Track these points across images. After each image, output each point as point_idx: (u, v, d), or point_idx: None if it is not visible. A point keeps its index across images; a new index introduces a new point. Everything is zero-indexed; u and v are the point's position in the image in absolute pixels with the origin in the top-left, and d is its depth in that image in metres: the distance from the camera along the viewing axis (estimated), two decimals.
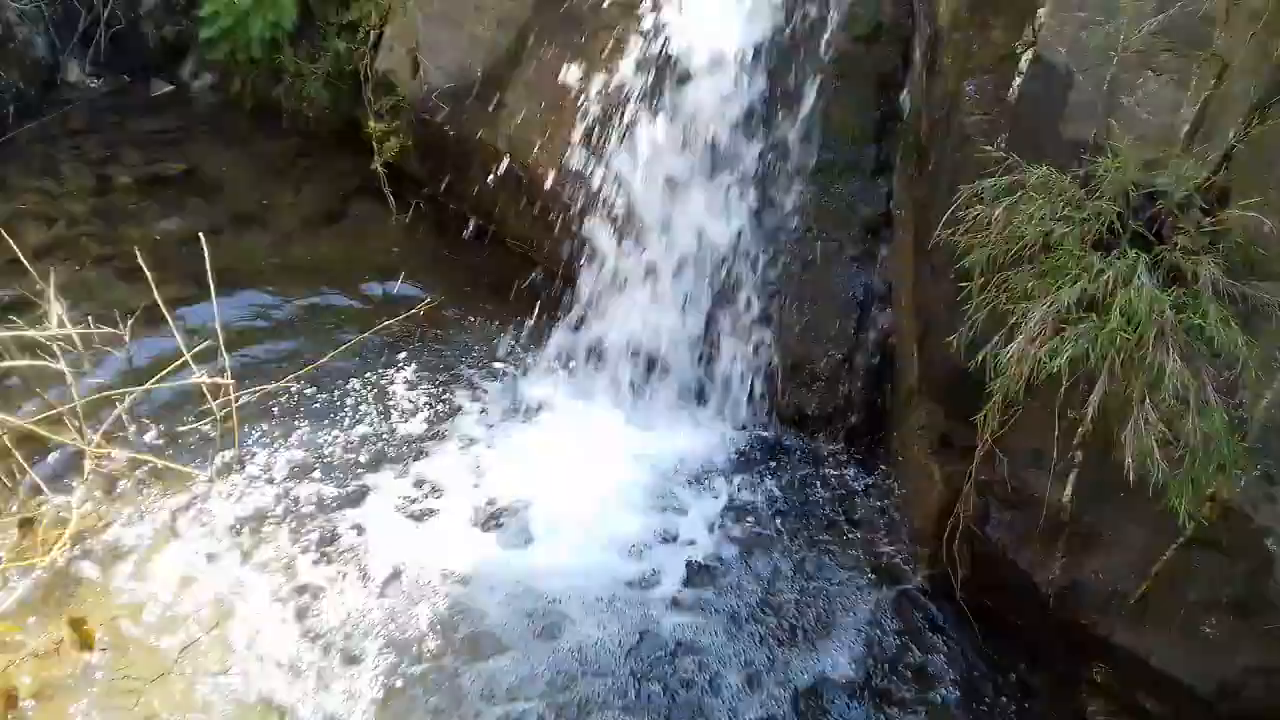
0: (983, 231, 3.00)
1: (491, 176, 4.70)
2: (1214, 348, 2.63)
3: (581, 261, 4.32)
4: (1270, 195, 2.68)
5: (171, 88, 6.04)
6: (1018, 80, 3.22)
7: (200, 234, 4.02)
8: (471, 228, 5.00)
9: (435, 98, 4.79)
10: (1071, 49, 3.07)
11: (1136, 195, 2.84)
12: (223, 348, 3.70)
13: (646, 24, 4.08)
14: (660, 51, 4.06)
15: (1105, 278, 2.72)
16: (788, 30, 4.01)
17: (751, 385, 4.10)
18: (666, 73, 4.05)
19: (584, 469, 3.93)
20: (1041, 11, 3.18)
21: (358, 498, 3.73)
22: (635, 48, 4.11)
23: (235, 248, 4.88)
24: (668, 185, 4.18)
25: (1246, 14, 2.71)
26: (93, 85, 5.95)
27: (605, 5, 4.28)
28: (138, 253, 3.80)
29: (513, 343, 4.50)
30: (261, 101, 5.75)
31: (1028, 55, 3.20)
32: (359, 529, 3.60)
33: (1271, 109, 2.71)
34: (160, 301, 3.75)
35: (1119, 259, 2.74)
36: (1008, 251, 2.94)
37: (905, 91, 3.95)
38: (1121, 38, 2.94)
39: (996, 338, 2.94)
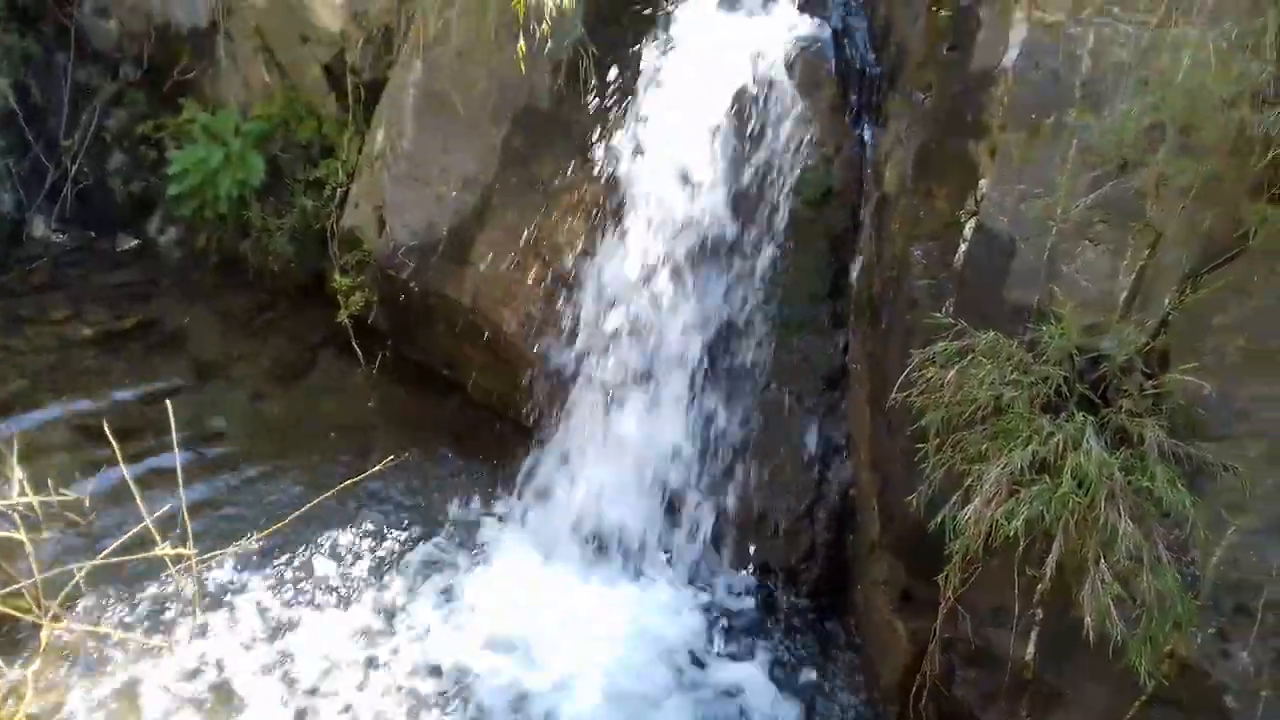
0: (936, 393, 3.10)
1: (457, 331, 4.79)
2: (1163, 508, 2.72)
3: (546, 417, 4.38)
4: (1207, 360, 2.81)
5: (137, 243, 6.11)
6: (963, 247, 3.38)
7: (166, 399, 4.02)
8: (438, 381, 5.05)
9: (401, 254, 4.90)
10: (1013, 219, 3.24)
11: (1081, 359, 2.96)
12: (185, 514, 3.68)
13: (607, 190, 4.25)
14: (621, 217, 4.22)
15: (1055, 441, 2.81)
16: (745, 194, 4.18)
17: (715, 539, 4.12)
18: (628, 240, 4.21)
19: (540, 629, 3.92)
20: (983, 183, 3.36)
21: (318, 662, 3.69)
22: (597, 212, 4.26)
23: (200, 404, 4.89)
24: (630, 341, 4.28)
25: (1176, 188, 2.88)
26: (58, 240, 6.01)
27: (569, 171, 4.43)
28: (105, 423, 3.79)
29: (476, 497, 4.51)
30: (227, 256, 5.83)
31: (971, 224, 3.36)
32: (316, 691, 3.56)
33: (1203, 278, 2.86)
34: (123, 465, 3.73)
35: (1067, 422, 2.84)
36: (961, 413, 3.04)
37: (857, 252, 4.10)
38: (1059, 210, 3.11)
39: (955, 498, 3.01)
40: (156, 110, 5.94)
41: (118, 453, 3.71)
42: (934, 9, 3.63)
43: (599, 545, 4.25)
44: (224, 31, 5.55)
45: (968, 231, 3.36)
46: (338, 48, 5.21)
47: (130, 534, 3.66)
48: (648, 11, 4.40)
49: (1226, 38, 2.70)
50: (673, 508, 4.23)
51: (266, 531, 3.99)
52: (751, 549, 4.08)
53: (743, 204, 4.21)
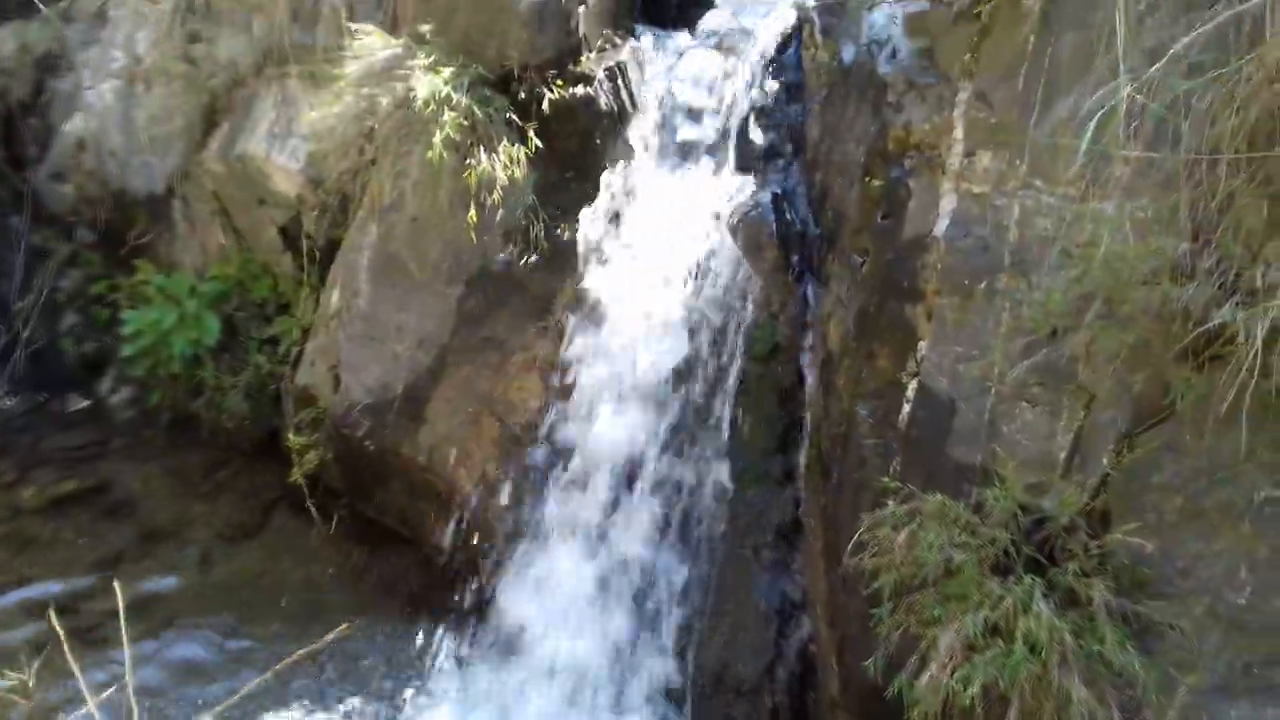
0: (888, 555, 3.14)
1: (413, 490, 4.79)
2: (1114, 669, 2.75)
3: (502, 577, 4.36)
4: (1148, 518, 2.88)
5: (88, 403, 6.07)
6: (906, 407, 3.46)
7: (115, 567, 3.97)
8: (395, 539, 5.02)
9: (356, 413, 4.92)
10: (952, 380, 3.34)
11: (1025, 520, 3.03)
12: (131, 696, 3.59)
13: (563, 352, 4.33)
14: (574, 380, 4.30)
15: (1005, 604, 2.85)
16: (694, 351, 4.28)
17: (675, 700, 4.08)
18: (582, 399, 4.27)
19: None
20: (922, 345, 3.47)
21: None
22: (550, 374, 4.34)
23: (150, 570, 4.81)
24: (585, 497, 4.31)
25: (1106, 354, 2.99)
26: (8, 404, 5.97)
27: (523, 331, 4.51)
28: (51, 596, 3.73)
29: (429, 658, 4.44)
30: (180, 414, 5.81)
31: (913, 384, 3.46)
32: None
33: (1138, 438, 2.96)
34: (66, 642, 3.65)
35: (1016, 585, 2.89)
36: (913, 575, 3.08)
37: (805, 407, 4.19)
38: (996, 371, 3.22)
39: (911, 661, 3.03)
40: (111, 272, 5.98)
41: (60, 630, 3.64)
42: (867, 179, 3.80)
43: (556, 705, 4.19)
44: (181, 197, 5.64)
45: (910, 392, 3.46)
46: (294, 211, 5.32)
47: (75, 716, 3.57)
48: (594, 178, 4.57)
49: (1143, 213, 2.86)
50: (632, 667, 4.19)
51: (217, 710, 3.91)
52: (712, 711, 4.04)
53: (693, 361, 4.30)
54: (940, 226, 3.46)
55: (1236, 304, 2.56)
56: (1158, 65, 2.66)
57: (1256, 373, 2.53)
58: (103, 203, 5.82)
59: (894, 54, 3.80)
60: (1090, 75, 3.04)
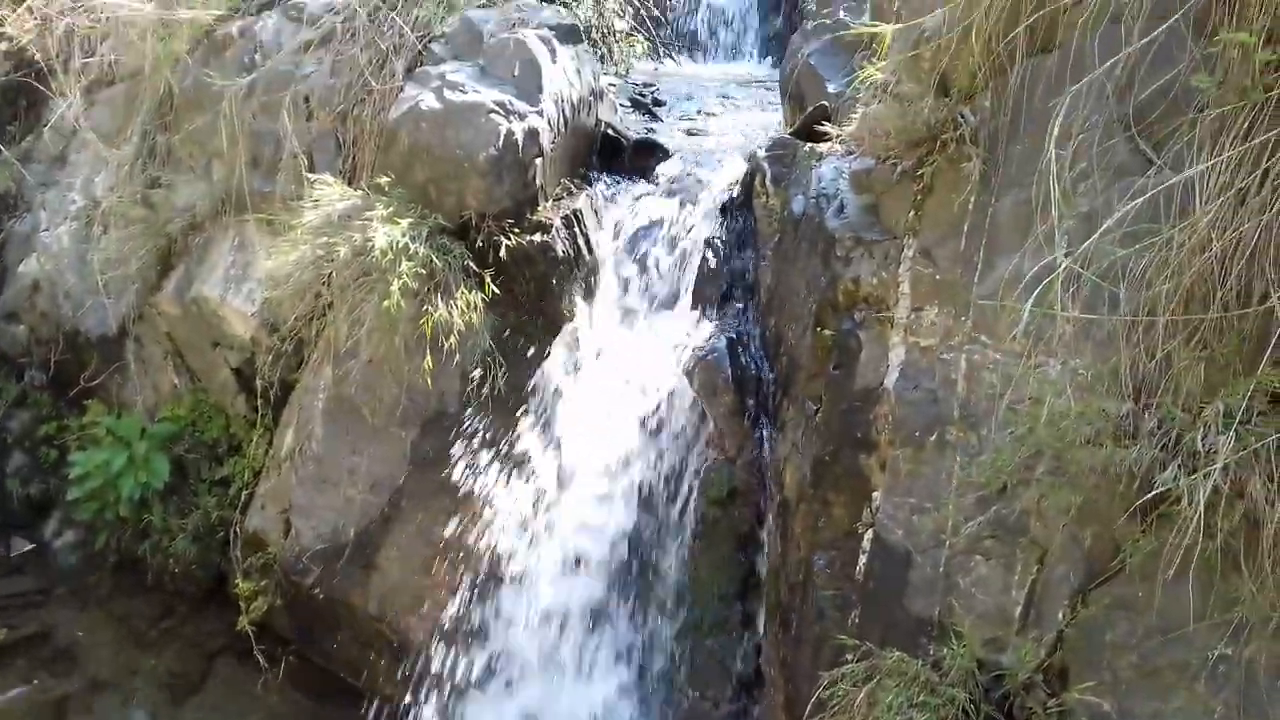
0: (848, 715, 3.10)
1: (363, 638, 4.68)
2: None
3: None
4: (1104, 676, 2.87)
5: (32, 546, 5.92)
6: (862, 559, 3.47)
7: None
8: (344, 689, 4.87)
9: (306, 559, 4.82)
10: (907, 531, 3.35)
11: (984, 677, 3.01)
12: None
13: (519, 500, 4.31)
14: (532, 519, 4.27)
15: None
16: (652, 495, 4.27)
17: None
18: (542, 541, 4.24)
19: None
20: (876, 495, 3.49)
21: None
22: (508, 519, 4.30)
23: None
24: (543, 646, 4.23)
25: (1056, 507, 3.02)
26: None
27: (480, 475, 4.49)
28: None
29: None
30: (126, 559, 5.67)
31: (869, 535, 3.47)
32: None
33: (1091, 594, 2.97)
34: None
35: None
36: None
37: (763, 552, 4.17)
38: (950, 523, 3.24)
39: None
40: (61, 412, 5.91)
41: None
42: (818, 328, 3.87)
43: None
44: (134, 338, 5.62)
45: (866, 543, 3.47)
46: (249, 353, 5.30)
47: None
48: (551, 323, 4.62)
49: (1085, 373, 2.92)
50: None
51: None
52: None
53: (651, 505, 4.29)
54: (891, 378, 3.52)
55: (1179, 466, 2.60)
56: (1091, 239, 2.76)
57: (1202, 534, 2.56)
58: (55, 344, 5.78)
59: (841, 208, 3.91)
60: (1030, 236, 3.14)
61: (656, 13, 9.62)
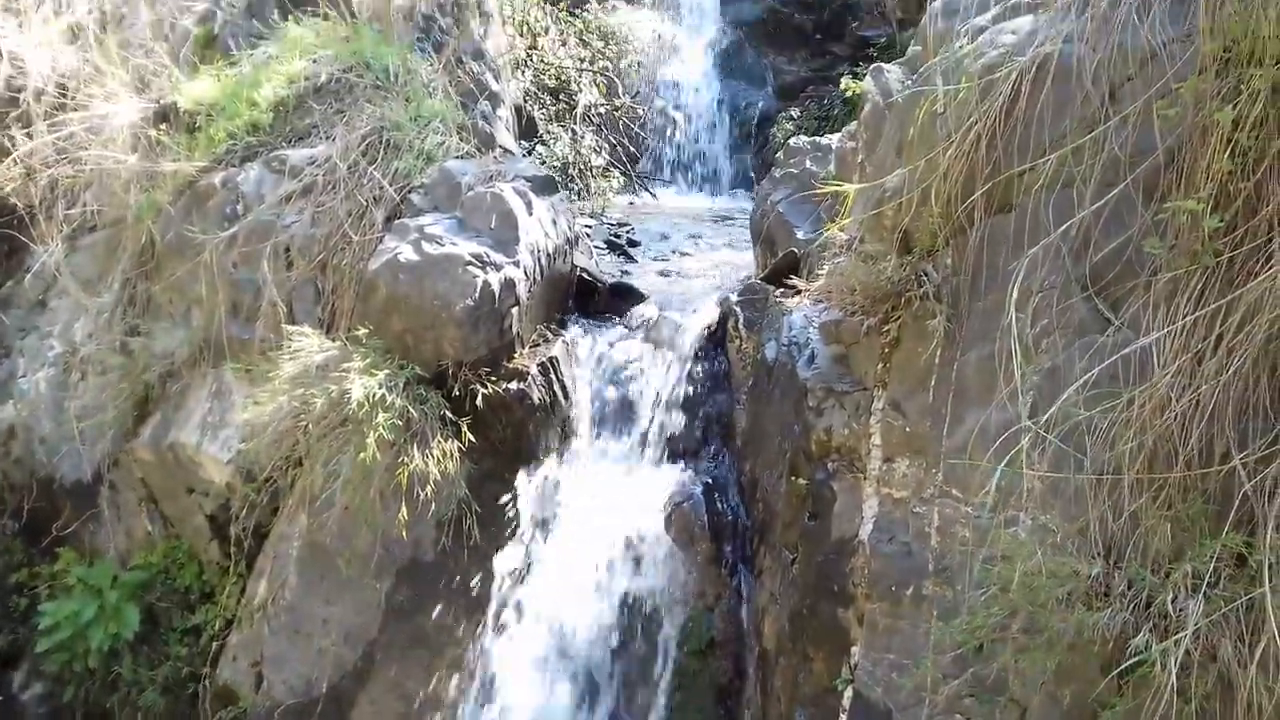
0: None
1: None
2: None
3: None
4: None
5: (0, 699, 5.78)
6: (843, 716, 3.43)
7: None
8: None
9: (278, 715, 4.71)
10: (887, 689, 3.32)
11: None
12: None
13: (494, 645, 4.26)
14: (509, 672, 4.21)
15: None
16: (629, 647, 4.23)
17: None
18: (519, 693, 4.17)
19: None
20: (855, 650, 3.47)
21: None
22: (484, 668, 4.24)
23: None
24: None
25: (1033, 668, 3.00)
26: None
27: (455, 625, 4.43)
28: None
29: None
30: (95, 711, 5.50)
31: (849, 692, 3.44)
32: None
33: None
34: None
35: None
36: None
37: (744, 706, 4.12)
38: (929, 680, 3.22)
39: None
40: (32, 560, 5.81)
41: None
42: (793, 477, 3.89)
43: None
44: (109, 484, 5.58)
45: (846, 700, 3.43)
46: (223, 499, 5.26)
47: None
48: (528, 470, 4.63)
49: (1055, 533, 2.95)
50: None
51: None
52: None
53: (628, 657, 4.24)
54: (865, 530, 3.54)
55: (1151, 630, 2.61)
56: (1055, 405, 2.82)
57: (1178, 697, 2.56)
58: (29, 490, 5.72)
59: (813, 358, 3.98)
60: (996, 391, 3.20)
61: (632, 148, 9.94)
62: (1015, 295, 3.07)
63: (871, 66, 4.54)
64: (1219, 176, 2.89)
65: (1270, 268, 2.73)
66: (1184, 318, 2.83)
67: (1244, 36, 2.88)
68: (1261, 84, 2.78)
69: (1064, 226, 3.13)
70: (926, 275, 3.50)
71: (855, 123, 4.65)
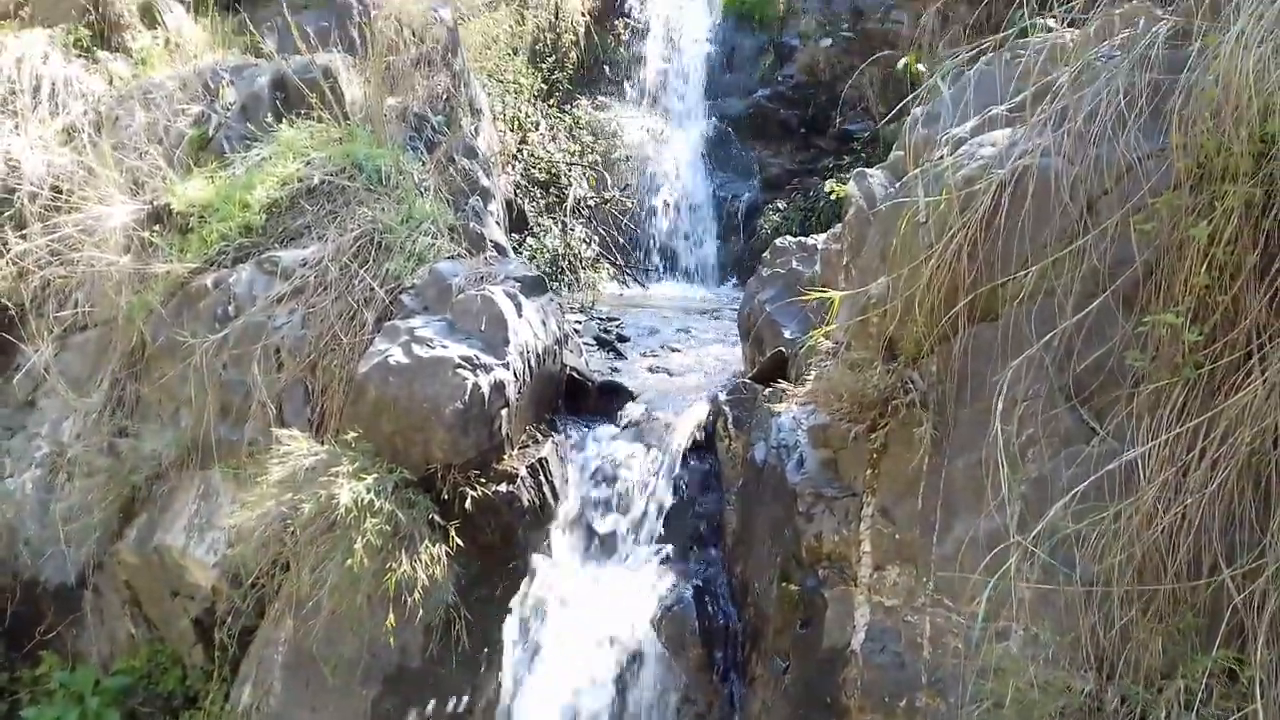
0: None
1: None
2: None
3: None
4: None
5: None
6: None
7: None
8: None
9: None
10: None
11: None
12: None
13: None
14: None
15: None
16: None
17: None
18: None
19: None
20: None
21: None
22: None
23: None
24: None
25: None
26: None
27: None
28: None
29: None
30: None
31: None
32: None
33: None
34: None
35: None
36: None
37: None
38: None
39: None
40: (14, 665, 5.72)
41: None
42: (784, 582, 3.87)
43: None
44: (92, 587, 5.51)
45: None
46: (209, 603, 5.20)
47: None
48: (517, 572, 4.59)
49: (1048, 643, 2.94)
50: None
51: None
52: None
53: None
54: (857, 639, 3.51)
55: None
56: (1043, 520, 2.83)
57: None
58: (13, 593, 5.65)
59: (801, 462, 3.98)
60: (983, 499, 3.21)
61: (621, 240, 10.07)
62: (1000, 407, 3.10)
63: (855, 171, 4.62)
64: (1197, 290, 2.95)
65: (1251, 381, 2.77)
66: (1168, 431, 2.86)
67: (1216, 153, 2.96)
68: (1235, 201, 2.85)
69: (1046, 337, 3.17)
70: (912, 383, 3.53)
71: (840, 225, 4.72)
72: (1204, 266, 2.92)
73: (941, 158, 3.71)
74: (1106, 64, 3.41)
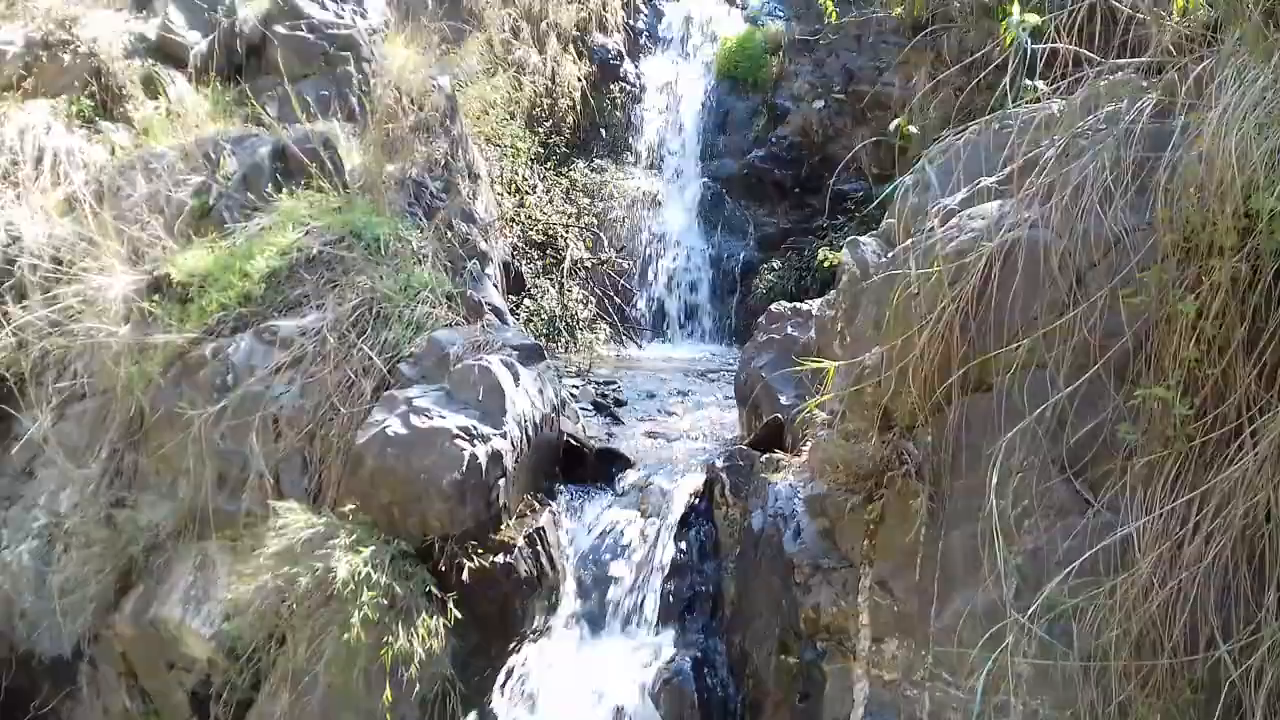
0: None
1: None
2: None
3: None
4: None
5: None
6: None
7: None
8: None
9: None
10: None
11: None
12: None
13: None
14: None
15: None
16: None
17: None
18: None
19: None
20: None
21: None
22: None
23: None
24: None
25: None
26: None
27: None
28: None
29: None
30: None
31: None
32: None
33: None
34: None
35: None
36: None
37: None
38: None
39: None
40: None
41: None
42: (783, 654, 3.86)
43: None
44: (88, 659, 5.47)
45: None
46: (205, 675, 5.15)
47: None
48: (514, 644, 4.57)
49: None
50: None
51: None
52: None
53: None
54: (857, 714, 3.49)
55: None
56: (1040, 595, 2.83)
57: None
58: (8, 667, 5.60)
59: (799, 532, 3.99)
60: (980, 571, 3.21)
61: (618, 300, 10.13)
62: (995, 479, 3.11)
63: (848, 239, 4.67)
64: (1187, 363, 2.97)
65: (1242, 454, 2.79)
66: (1162, 504, 2.87)
67: (1201, 228, 3.00)
68: (1221, 276, 2.89)
69: (1040, 409, 3.19)
70: (908, 454, 3.55)
71: (834, 291, 4.76)
72: (1193, 340, 2.96)
73: (932, 229, 3.75)
74: (1093, 138, 3.47)
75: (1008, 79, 3.61)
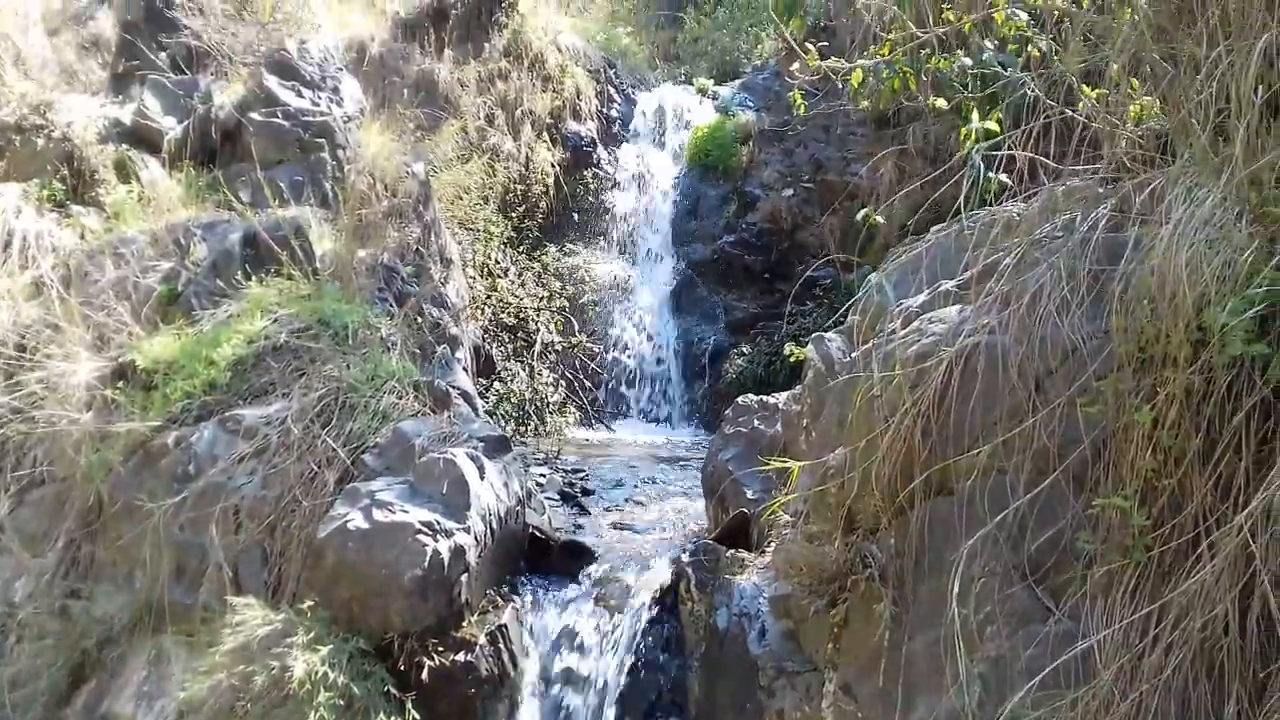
0: None
1: None
2: None
3: None
4: None
5: None
6: None
7: None
8: None
9: None
10: None
11: None
12: None
13: None
14: None
15: None
16: None
17: None
18: None
19: None
20: None
21: None
22: None
23: None
24: None
25: None
26: None
27: None
28: None
29: None
30: None
31: None
32: None
33: None
34: None
35: None
36: None
37: None
38: None
39: None
40: None
41: None
42: None
43: None
44: None
45: None
46: None
47: None
48: None
49: None
50: None
51: None
52: None
53: None
54: None
55: None
56: (1000, 715, 2.81)
57: None
58: None
59: (763, 633, 3.96)
60: (944, 678, 3.19)
61: (588, 383, 10.15)
62: (957, 587, 3.11)
63: (813, 336, 4.72)
64: (1144, 472, 3.00)
65: (1200, 566, 2.80)
66: (1122, 615, 2.87)
67: (1156, 340, 3.05)
68: (1176, 388, 2.93)
69: (1000, 515, 3.20)
70: (871, 557, 3.55)
71: (800, 386, 4.79)
72: (1150, 450, 2.99)
73: (893, 331, 3.80)
74: (1049, 246, 3.54)
75: (963, 195, 3.69)
